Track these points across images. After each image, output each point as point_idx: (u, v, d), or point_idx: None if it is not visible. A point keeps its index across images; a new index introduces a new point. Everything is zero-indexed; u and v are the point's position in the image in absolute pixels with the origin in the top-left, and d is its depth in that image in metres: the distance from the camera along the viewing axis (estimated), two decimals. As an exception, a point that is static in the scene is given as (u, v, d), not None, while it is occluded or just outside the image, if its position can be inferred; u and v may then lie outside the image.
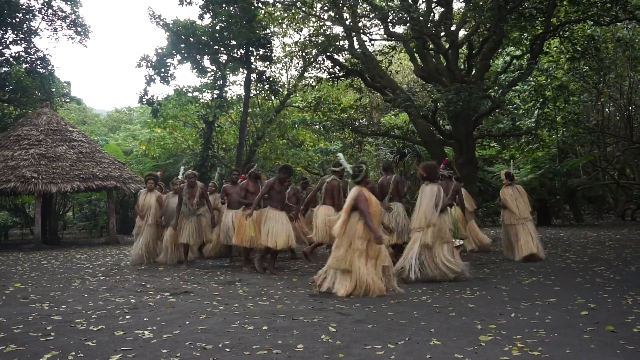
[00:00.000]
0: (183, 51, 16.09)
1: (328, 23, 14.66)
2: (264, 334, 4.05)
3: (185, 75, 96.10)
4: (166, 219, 9.10)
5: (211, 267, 8.70)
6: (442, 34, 12.54)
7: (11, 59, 18.42)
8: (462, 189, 9.33)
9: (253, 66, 17.45)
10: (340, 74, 14.60)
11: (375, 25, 14.44)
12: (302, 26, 16.40)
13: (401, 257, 6.64)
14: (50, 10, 18.44)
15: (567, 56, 14.39)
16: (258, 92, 19.46)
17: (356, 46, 13.62)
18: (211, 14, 15.56)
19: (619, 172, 20.41)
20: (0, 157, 14.37)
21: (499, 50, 14.44)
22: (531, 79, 15.67)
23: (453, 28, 13.11)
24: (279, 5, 16.03)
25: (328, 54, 13.77)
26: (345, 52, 13.93)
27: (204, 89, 19.68)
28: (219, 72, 18.05)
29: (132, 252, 9.60)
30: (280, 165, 7.63)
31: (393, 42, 15.15)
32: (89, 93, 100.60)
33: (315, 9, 14.87)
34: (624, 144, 19.30)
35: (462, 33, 14.24)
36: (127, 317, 4.77)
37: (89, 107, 39.42)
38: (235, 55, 17.28)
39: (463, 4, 13.86)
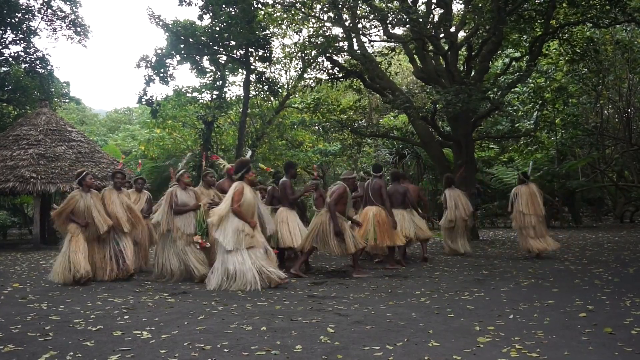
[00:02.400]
0: (182, 52, 16.08)
1: (327, 24, 14.66)
2: (263, 335, 4.05)
3: (184, 76, 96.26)
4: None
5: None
6: (442, 35, 12.55)
7: (10, 59, 18.38)
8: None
9: (252, 67, 17.44)
10: (340, 75, 14.60)
11: (375, 27, 14.46)
12: (301, 27, 16.38)
13: None
14: (49, 10, 18.41)
15: (567, 58, 14.41)
16: (257, 92, 19.47)
17: (355, 47, 13.62)
18: (211, 14, 15.55)
19: (618, 174, 20.42)
20: (-1, 156, 14.33)
21: (499, 52, 14.45)
22: (530, 80, 15.68)
23: (452, 30, 13.11)
24: (279, 6, 16.03)
25: (327, 55, 13.77)
26: (345, 53, 13.92)
27: (203, 90, 19.69)
28: (219, 73, 18.04)
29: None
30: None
31: (392, 43, 15.16)
32: (88, 93, 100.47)
33: (314, 10, 14.87)
34: (622, 146, 19.33)
35: (461, 34, 14.26)
36: (125, 317, 4.76)
37: (88, 107, 39.44)
38: (235, 55, 17.28)
39: (462, 6, 13.87)
